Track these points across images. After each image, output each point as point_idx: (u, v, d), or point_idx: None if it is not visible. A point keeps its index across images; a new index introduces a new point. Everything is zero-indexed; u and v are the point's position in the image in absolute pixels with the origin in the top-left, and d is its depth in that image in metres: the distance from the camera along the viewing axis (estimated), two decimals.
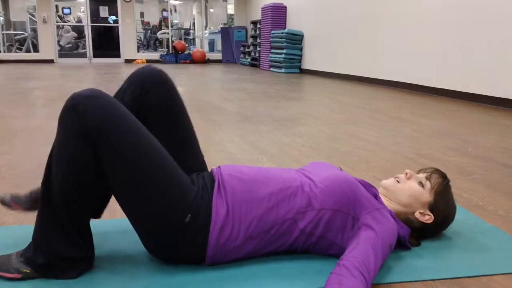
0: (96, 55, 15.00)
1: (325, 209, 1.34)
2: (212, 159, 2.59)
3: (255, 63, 12.86)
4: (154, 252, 1.35)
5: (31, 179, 2.23)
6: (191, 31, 18.14)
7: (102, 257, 1.40)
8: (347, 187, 1.36)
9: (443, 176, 1.53)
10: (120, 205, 1.30)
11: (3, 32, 14.40)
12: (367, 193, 1.39)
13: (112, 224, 1.63)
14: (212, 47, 17.11)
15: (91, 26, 14.90)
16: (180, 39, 16.88)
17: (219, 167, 1.45)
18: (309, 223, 1.34)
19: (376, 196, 1.44)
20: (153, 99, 1.46)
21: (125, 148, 1.22)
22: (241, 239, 1.31)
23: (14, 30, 15.45)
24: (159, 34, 17.03)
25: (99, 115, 1.20)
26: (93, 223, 1.37)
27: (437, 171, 1.55)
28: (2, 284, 1.25)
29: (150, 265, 1.36)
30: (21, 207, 1.47)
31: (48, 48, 14.22)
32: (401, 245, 1.46)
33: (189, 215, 1.27)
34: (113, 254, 1.43)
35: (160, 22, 17.02)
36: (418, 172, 1.59)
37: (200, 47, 16.96)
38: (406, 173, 1.53)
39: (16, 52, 14.88)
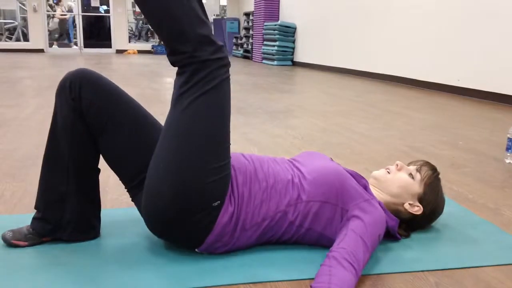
0: (87, 45, 14.86)
1: (313, 201, 1.34)
2: None
3: (247, 55, 12.82)
4: (157, 226, 1.32)
5: (23, 168, 2.21)
6: None
7: (90, 247, 1.40)
8: (334, 178, 1.36)
9: (433, 169, 1.55)
10: (153, 174, 1.28)
11: None
12: (356, 184, 1.39)
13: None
14: None
15: (82, 15, 14.78)
16: None
17: None
18: (298, 215, 1.34)
19: (366, 187, 1.44)
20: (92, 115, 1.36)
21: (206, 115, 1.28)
22: (238, 231, 1.31)
23: (3, 19, 15.28)
24: None
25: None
26: None
27: (427, 163, 1.56)
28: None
29: (140, 257, 1.35)
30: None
31: (38, 37, 14.08)
32: (390, 236, 1.47)
33: (219, 201, 1.27)
34: (102, 245, 1.43)
35: None
36: (409, 164, 1.60)
37: None
38: (397, 165, 1.54)
39: (6, 41, 14.72)
